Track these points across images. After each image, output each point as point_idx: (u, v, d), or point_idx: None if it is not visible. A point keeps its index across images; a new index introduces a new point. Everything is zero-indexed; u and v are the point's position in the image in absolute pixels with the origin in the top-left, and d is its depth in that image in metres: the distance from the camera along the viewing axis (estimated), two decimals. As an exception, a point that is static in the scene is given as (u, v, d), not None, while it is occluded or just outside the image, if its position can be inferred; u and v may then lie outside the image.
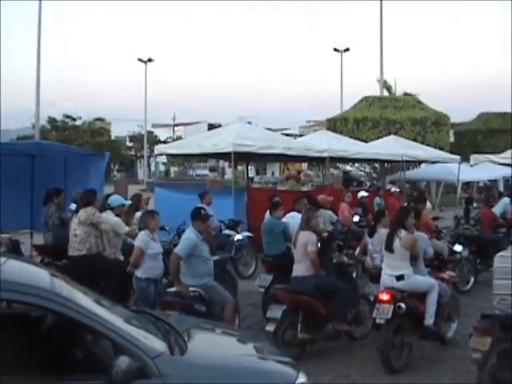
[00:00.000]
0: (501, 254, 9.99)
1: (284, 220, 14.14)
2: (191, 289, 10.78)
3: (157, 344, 5.82)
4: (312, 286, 11.15)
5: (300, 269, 11.42)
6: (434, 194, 37.18)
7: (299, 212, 13.22)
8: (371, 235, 13.32)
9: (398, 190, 24.36)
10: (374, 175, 38.62)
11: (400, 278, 10.76)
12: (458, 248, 15.15)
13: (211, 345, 6.72)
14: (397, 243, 10.86)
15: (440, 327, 11.36)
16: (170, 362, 5.63)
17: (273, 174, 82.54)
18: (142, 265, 11.39)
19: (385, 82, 51.17)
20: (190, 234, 11.15)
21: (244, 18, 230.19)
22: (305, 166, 64.12)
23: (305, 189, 32.31)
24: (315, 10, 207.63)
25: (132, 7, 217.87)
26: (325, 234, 11.89)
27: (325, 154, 23.47)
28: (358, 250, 14.89)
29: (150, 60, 78.17)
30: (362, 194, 21.64)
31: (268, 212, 14.44)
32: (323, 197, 17.58)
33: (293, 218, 13.76)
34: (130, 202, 15.10)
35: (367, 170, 39.98)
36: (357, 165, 38.75)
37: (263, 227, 14.08)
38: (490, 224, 19.05)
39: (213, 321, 9.36)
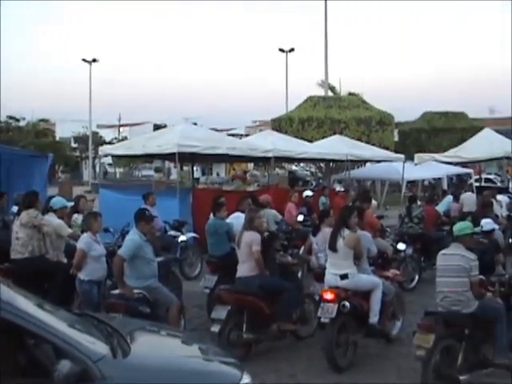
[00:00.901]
0: (443, 251, 10.13)
1: (228, 220, 14.10)
2: (135, 291, 10.70)
3: (99, 347, 5.76)
4: (256, 286, 11.13)
5: (244, 269, 11.40)
6: (379, 192, 37.47)
7: (243, 212, 13.18)
8: (315, 234, 13.37)
9: (343, 189, 24.49)
10: (320, 175, 38.80)
11: (344, 276, 10.80)
12: (401, 246, 15.28)
13: (155, 347, 6.68)
14: (340, 242, 10.90)
15: (385, 325, 11.43)
16: (112, 364, 5.57)
17: (218, 174, 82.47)
18: (84, 267, 11.27)
19: (328, 82, 51.40)
20: (133, 236, 11.07)
21: (188, 17, 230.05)
22: (251, 166, 64.25)
23: (251, 189, 32.36)
24: (260, 9, 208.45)
25: (76, 7, 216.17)
26: (266, 234, 11.85)
27: (270, 154, 23.47)
28: (302, 249, 14.94)
29: (94, 60, 77.53)
30: (307, 193, 21.68)
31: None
32: (265, 196, 17.59)
33: (237, 219, 13.73)
34: (72, 204, 14.94)
35: (313, 169, 40.16)
36: (302, 164, 38.91)
37: (207, 228, 14.03)
38: (433, 222, 19.24)
39: (158, 323, 9.30)
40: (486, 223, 12.12)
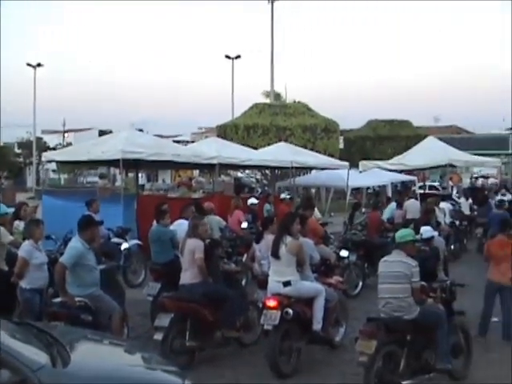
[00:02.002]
0: (385, 258, 10.23)
1: (171, 227, 14.06)
2: (77, 299, 10.57)
3: (39, 356, 5.70)
4: (200, 293, 11.11)
5: (187, 276, 11.38)
6: (323, 199, 37.64)
7: (187, 219, 13.16)
8: (258, 242, 13.37)
9: (288, 196, 24.56)
10: (265, 182, 38.87)
11: (287, 283, 10.83)
12: (343, 253, 15.34)
13: (96, 356, 6.64)
14: (283, 249, 10.92)
15: (328, 332, 11.47)
16: (52, 374, 5.54)
17: (164, 181, 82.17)
18: (26, 275, 11.15)
19: (274, 90, 51.55)
20: (75, 243, 10.95)
21: (134, 21, 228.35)
22: (196, 173, 64.10)
23: (196, 196, 32.13)
24: (207, 15, 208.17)
25: (21, 11, 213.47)
26: (208, 241, 11.83)
27: (214, 161, 23.46)
28: (245, 256, 14.95)
29: (39, 65, 76.74)
30: (252, 200, 21.70)
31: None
32: (209, 203, 17.57)
33: (180, 226, 13.67)
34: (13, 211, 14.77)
35: (258, 176, 40.22)
36: (248, 171, 38.91)
37: (150, 235, 13.98)
38: (377, 229, 19.42)
39: (100, 331, 9.25)
40: (426, 231, 12.26)
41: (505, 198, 28.11)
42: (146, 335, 12.29)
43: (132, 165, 25.10)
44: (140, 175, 38.14)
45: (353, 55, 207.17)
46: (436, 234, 12.40)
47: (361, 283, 17.07)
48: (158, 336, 10.70)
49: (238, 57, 67.08)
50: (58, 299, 10.71)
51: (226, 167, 30.08)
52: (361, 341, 9.40)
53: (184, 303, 10.99)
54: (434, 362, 10.02)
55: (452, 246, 23.33)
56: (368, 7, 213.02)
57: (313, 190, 39.61)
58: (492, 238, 14.96)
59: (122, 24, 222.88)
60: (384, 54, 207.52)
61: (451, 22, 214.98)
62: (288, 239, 11.01)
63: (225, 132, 40.06)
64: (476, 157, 40.24)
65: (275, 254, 11.02)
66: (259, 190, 40.83)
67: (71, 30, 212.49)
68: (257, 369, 10.89)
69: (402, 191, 34.05)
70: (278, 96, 52.85)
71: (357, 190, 33.66)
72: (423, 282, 10.22)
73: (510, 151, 77.04)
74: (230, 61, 67.01)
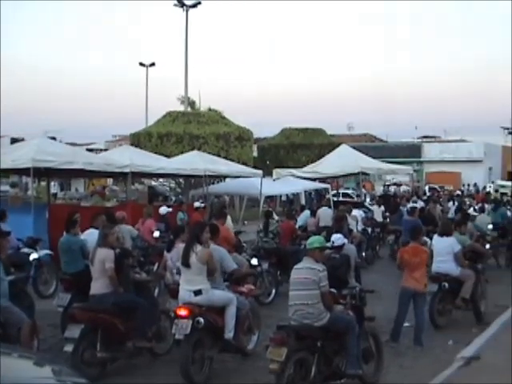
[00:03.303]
0: (296, 266, 10.30)
1: (82, 237, 13.91)
2: (-16, 311, 10.37)
3: None
4: (110, 303, 11.00)
5: (98, 286, 11.25)
6: (237, 207, 37.71)
7: (97, 229, 13.02)
8: (170, 250, 13.33)
9: (201, 204, 24.54)
10: (179, 190, 38.73)
11: (198, 292, 10.82)
12: (254, 261, 15.40)
13: (4, 369, 6.48)
14: (193, 258, 10.90)
15: (240, 340, 11.50)
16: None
17: (77, 189, 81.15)
18: None
19: (188, 97, 51.42)
20: (-18, 254, 10.74)
21: (53, 31, 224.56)
22: (110, 181, 63.54)
23: (109, 204, 31.89)
24: (120, 23, 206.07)
25: None
26: (117, 251, 11.72)
27: (127, 170, 23.26)
28: (156, 265, 14.88)
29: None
30: (164, 209, 21.61)
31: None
32: (120, 212, 17.42)
33: (91, 235, 13.51)
34: None
35: (172, 184, 40.04)
36: (162, 180, 38.73)
37: (60, 245, 13.77)
38: (289, 236, 19.53)
39: (8, 344, 9.06)
40: (336, 238, 12.39)
41: (416, 205, 28.65)
42: (57, 347, 12.11)
43: (44, 173, 24.72)
44: (53, 184, 37.57)
45: (267, 63, 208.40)
46: (347, 241, 12.53)
47: (274, 291, 17.14)
48: (69, 347, 10.54)
49: (152, 64, 66.90)
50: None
51: (139, 175, 29.90)
52: (271, 348, 9.44)
53: (94, 314, 10.86)
54: (345, 368, 10.11)
55: (364, 253, 23.66)
56: (282, 14, 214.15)
57: (227, 199, 39.63)
58: (404, 245, 15.22)
59: (42, 30, 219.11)
60: (297, 62, 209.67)
61: (366, 29, 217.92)
62: (198, 248, 11.00)
63: (138, 140, 39.71)
64: (388, 164, 40.88)
65: (185, 263, 10.99)
66: (173, 199, 40.71)
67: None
68: (169, 379, 10.85)
69: (316, 199, 34.43)
70: (193, 104, 52.70)
71: (271, 198, 33.80)
72: (333, 290, 10.35)
73: (421, 159, 78.65)
74: (145, 68, 66.90)
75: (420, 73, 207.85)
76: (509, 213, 29.40)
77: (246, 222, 25.24)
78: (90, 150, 43.07)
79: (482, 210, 27.28)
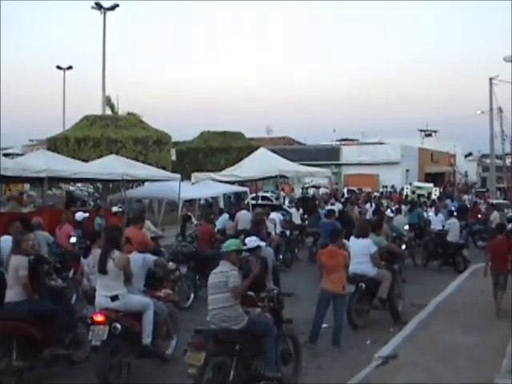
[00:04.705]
0: (213, 270, 10.29)
1: (-3, 244, 13.64)
2: None
3: None
4: (25, 311, 10.79)
5: (12, 294, 11.01)
6: (156, 212, 37.46)
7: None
8: (86, 256, 13.17)
9: (120, 209, 24.31)
10: (97, 195, 38.29)
11: (114, 298, 10.74)
12: (171, 266, 15.28)
13: None
14: (110, 264, 10.79)
15: (158, 345, 11.47)
16: None
17: (-8, 196, 79.66)
18: None
19: (109, 99, 50.88)
20: None
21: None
22: (28, 186, 62.53)
23: (27, 210, 31.31)
24: (37, 26, 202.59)
25: None
26: (31, 258, 11.51)
27: (43, 175, 22.87)
28: (71, 271, 14.69)
29: None
30: (81, 215, 21.34)
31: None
32: (36, 218, 17.15)
33: (5, 242, 13.28)
34: None
35: (90, 189, 39.55)
36: (79, 185, 38.23)
37: (-27, 253, 13.49)
38: (208, 240, 19.47)
39: None
40: (250, 241, 12.39)
41: (334, 208, 28.92)
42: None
43: (-43, 180, 24.19)
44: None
45: (186, 67, 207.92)
46: (263, 243, 12.53)
47: (192, 295, 17.10)
48: (-18, 358, 10.35)
49: (69, 67, 66.04)
50: None
51: (56, 180, 29.46)
52: (190, 353, 9.42)
53: (9, 322, 10.66)
54: (264, 371, 10.16)
55: (283, 256, 23.78)
56: (197, 15, 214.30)
57: (146, 203, 39.32)
58: (323, 247, 15.32)
59: None
60: (216, 65, 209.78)
61: (281, 28, 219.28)
62: (116, 253, 10.89)
63: (55, 144, 39.10)
64: (306, 167, 41.17)
65: (102, 270, 10.88)
66: (91, 204, 40.22)
67: None
68: (88, 386, 10.73)
69: (235, 202, 34.43)
70: (113, 107, 52.07)
71: (189, 202, 33.67)
72: (251, 292, 10.37)
73: (340, 162, 79.42)
74: (62, 72, 66.05)
75: (339, 75, 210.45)
76: (425, 214, 30.01)
77: (164, 228, 25.02)
78: (7, 155, 42.14)
79: (398, 212, 27.80)
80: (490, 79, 58.11)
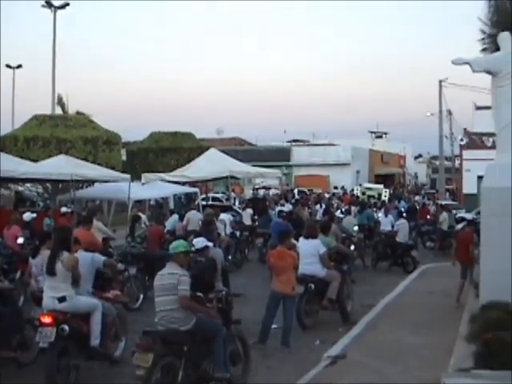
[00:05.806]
0: (159, 272, 10.29)
1: None
2: None
3: None
4: (-30, 315, 10.70)
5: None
6: (106, 212, 37.23)
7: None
8: (35, 257, 13.07)
9: (69, 210, 24.14)
10: (46, 195, 37.94)
11: (62, 299, 10.65)
12: (120, 267, 15.23)
13: None
14: (59, 265, 10.71)
15: (107, 347, 11.40)
16: None
17: None
18: None
19: (60, 98, 50.37)
20: None
21: None
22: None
23: (-23, 211, 30.98)
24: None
25: None
26: None
27: (-10, 175, 22.64)
28: (19, 272, 14.56)
29: None
30: (28, 215, 21.14)
31: None
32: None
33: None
34: None
35: (40, 190, 39.17)
36: (28, 185, 37.86)
37: None
38: (157, 241, 19.40)
39: None
40: (197, 242, 12.40)
41: (284, 209, 29.06)
42: None
43: None
44: None
45: (135, 67, 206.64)
46: (211, 244, 12.55)
47: (142, 296, 17.03)
48: None
49: (19, 66, 65.30)
50: None
51: (5, 181, 29.16)
52: (138, 354, 9.40)
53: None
54: (213, 371, 10.18)
55: (233, 257, 23.82)
56: (148, 16, 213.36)
57: (96, 203, 39.04)
58: (273, 248, 15.38)
59: None
60: (165, 65, 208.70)
61: (233, 27, 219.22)
62: (65, 254, 10.81)
63: (4, 144, 38.62)
64: (257, 168, 41.27)
65: (51, 271, 10.79)
66: (41, 204, 39.86)
67: None
68: (35, 388, 10.64)
69: (185, 203, 34.35)
70: (63, 106, 51.54)
71: (139, 203, 33.56)
72: (200, 293, 10.37)
73: (291, 163, 79.63)
74: (12, 70, 65.33)
75: (289, 76, 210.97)
76: (375, 215, 30.27)
77: (115, 230, 24.89)
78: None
79: (348, 212, 27.96)
80: (440, 82, 58.78)
